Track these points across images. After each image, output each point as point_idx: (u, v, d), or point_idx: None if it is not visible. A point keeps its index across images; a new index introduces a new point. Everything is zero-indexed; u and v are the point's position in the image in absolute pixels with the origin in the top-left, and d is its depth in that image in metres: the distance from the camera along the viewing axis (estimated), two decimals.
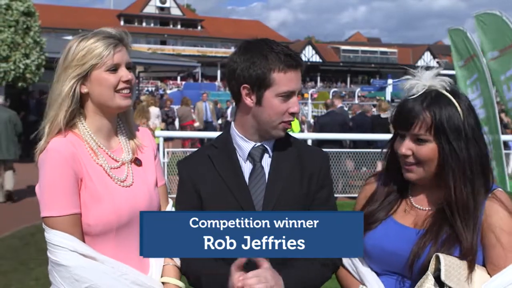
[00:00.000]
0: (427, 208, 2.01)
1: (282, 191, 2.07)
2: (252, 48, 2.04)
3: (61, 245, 1.89)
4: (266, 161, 2.13)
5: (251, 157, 2.12)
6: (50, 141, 1.96)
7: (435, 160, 1.91)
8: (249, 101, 2.05)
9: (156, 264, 2.12)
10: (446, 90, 1.94)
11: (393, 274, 2.00)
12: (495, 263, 1.85)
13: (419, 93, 1.92)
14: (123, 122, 2.16)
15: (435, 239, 1.88)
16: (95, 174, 1.99)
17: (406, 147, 1.93)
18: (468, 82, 6.23)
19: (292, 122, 2.11)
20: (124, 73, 2.01)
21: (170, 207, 2.25)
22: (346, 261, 2.13)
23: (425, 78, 1.96)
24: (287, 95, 2.02)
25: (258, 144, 2.12)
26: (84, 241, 1.95)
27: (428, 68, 2.02)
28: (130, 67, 2.06)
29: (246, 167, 2.12)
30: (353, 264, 2.10)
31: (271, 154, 2.13)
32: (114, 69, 1.99)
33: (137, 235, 2.06)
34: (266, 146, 2.13)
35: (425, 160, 1.91)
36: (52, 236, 1.91)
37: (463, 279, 1.80)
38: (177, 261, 2.14)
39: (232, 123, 2.19)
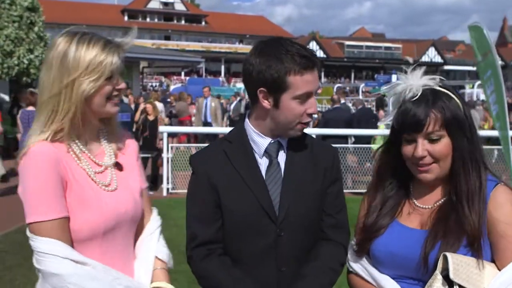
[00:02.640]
0: (430, 206, 2.01)
1: (298, 186, 2.10)
2: (267, 49, 2.02)
3: (51, 252, 1.80)
4: (282, 157, 2.14)
5: (268, 153, 2.13)
6: (33, 145, 1.88)
7: (450, 154, 1.92)
8: (266, 103, 2.04)
9: (145, 268, 2.07)
10: (440, 86, 1.96)
11: (406, 279, 1.99)
12: (502, 257, 1.86)
13: (418, 95, 1.92)
14: (105, 125, 2.09)
15: (443, 237, 1.88)
16: (80, 178, 1.93)
17: (422, 148, 1.91)
18: (484, 77, 6.26)
19: None
20: (118, 81, 1.97)
21: (155, 216, 2.21)
22: (358, 268, 2.12)
23: (414, 79, 1.97)
24: (305, 97, 2.02)
25: (274, 140, 2.13)
26: (72, 246, 1.87)
27: (414, 67, 2.01)
28: (123, 73, 2.00)
29: (262, 163, 2.13)
30: (367, 270, 2.09)
31: (286, 150, 2.15)
32: (110, 77, 1.93)
33: (122, 240, 2.02)
34: (282, 142, 2.14)
35: (441, 157, 1.92)
36: (41, 244, 1.81)
37: (472, 275, 1.80)
38: (168, 262, 2.12)
39: (247, 119, 2.18)
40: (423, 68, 2.00)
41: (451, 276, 1.76)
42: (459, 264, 1.79)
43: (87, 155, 1.99)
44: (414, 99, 1.92)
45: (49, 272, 1.80)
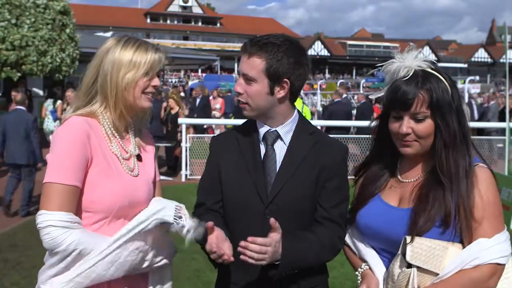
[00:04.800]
0: (412, 180, 1.95)
1: (292, 175, 2.04)
2: None
3: (60, 225, 1.77)
4: (279, 145, 2.11)
5: (265, 140, 2.12)
6: (70, 117, 1.94)
7: (432, 134, 1.87)
8: None
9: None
10: (431, 69, 1.90)
11: (385, 252, 1.95)
12: (465, 236, 1.81)
13: (410, 75, 1.87)
14: (135, 122, 2.12)
15: (417, 217, 1.82)
16: (109, 158, 1.95)
17: (407, 126, 1.86)
18: None
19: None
20: (153, 78, 2.02)
21: None
22: (348, 239, 2.09)
23: (409, 60, 1.91)
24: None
25: (273, 129, 2.11)
26: (80, 217, 1.86)
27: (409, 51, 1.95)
28: (159, 75, 2.06)
29: (263, 149, 2.11)
30: (353, 242, 2.06)
31: (283, 139, 2.11)
32: (146, 73, 1.99)
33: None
34: (279, 132, 2.11)
35: (424, 136, 1.86)
36: (48, 217, 1.78)
37: (433, 257, 1.77)
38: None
39: None
40: (419, 50, 1.93)
41: (408, 259, 1.76)
42: (419, 247, 1.77)
43: (117, 140, 2.02)
44: (405, 78, 1.87)
45: (61, 243, 1.78)
